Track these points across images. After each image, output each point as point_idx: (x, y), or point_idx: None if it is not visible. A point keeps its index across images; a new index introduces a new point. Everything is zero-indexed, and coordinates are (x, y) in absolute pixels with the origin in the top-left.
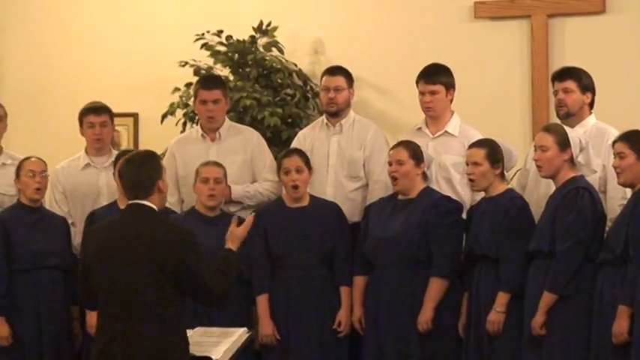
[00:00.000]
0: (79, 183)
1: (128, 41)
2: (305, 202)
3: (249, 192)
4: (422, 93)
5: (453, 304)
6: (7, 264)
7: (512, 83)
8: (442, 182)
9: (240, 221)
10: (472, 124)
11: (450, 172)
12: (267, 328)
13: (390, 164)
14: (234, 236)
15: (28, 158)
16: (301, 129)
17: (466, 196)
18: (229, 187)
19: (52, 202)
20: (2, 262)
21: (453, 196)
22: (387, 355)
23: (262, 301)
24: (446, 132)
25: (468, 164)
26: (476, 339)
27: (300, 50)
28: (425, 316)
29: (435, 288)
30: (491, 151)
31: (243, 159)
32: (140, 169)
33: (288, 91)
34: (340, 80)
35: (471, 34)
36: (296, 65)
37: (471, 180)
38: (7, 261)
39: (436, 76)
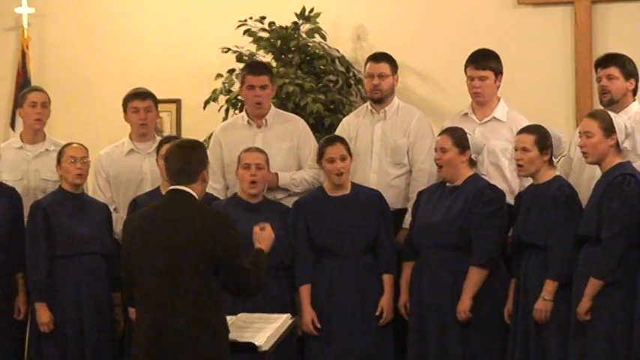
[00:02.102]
0: (123, 169)
1: (171, 27)
2: (347, 191)
3: (296, 179)
4: (471, 78)
5: (495, 291)
6: (48, 250)
7: (555, 70)
8: (490, 168)
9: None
10: (515, 111)
11: (499, 158)
12: (307, 316)
13: (436, 151)
14: (263, 238)
15: (69, 144)
16: (344, 115)
17: (514, 182)
18: (276, 174)
19: (95, 187)
20: (43, 248)
21: (502, 183)
22: (429, 341)
23: (305, 291)
24: (494, 118)
25: (516, 149)
26: (523, 327)
27: (342, 36)
28: (463, 306)
29: (473, 277)
30: (541, 138)
31: (290, 146)
32: (189, 156)
33: (331, 77)
34: (384, 67)
35: (514, 20)
36: (338, 51)
37: (519, 165)
38: (48, 247)
39: (485, 61)
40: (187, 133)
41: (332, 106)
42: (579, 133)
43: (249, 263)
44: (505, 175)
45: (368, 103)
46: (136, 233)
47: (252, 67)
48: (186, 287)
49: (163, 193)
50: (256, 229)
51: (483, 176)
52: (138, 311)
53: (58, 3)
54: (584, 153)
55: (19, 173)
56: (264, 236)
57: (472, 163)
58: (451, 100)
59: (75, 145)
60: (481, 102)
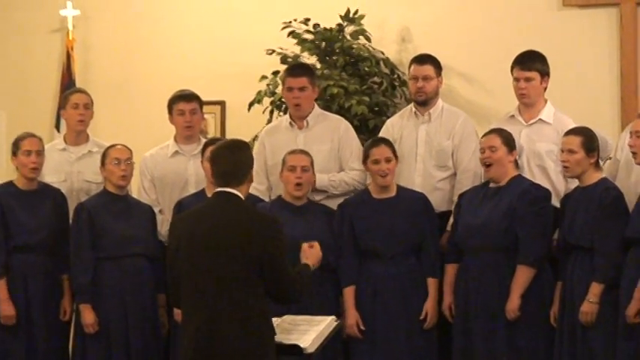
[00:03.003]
0: (168, 171)
1: (215, 29)
2: (392, 193)
3: (335, 181)
4: (516, 79)
5: (542, 292)
6: (93, 252)
7: (600, 72)
8: (536, 170)
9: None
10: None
11: (544, 160)
12: (352, 318)
13: (483, 152)
14: (311, 255)
15: (112, 146)
16: (388, 117)
17: (560, 184)
18: (314, 175)
19: (140, 189)
20: (88, 250)
21: (547, 185)
22: (475, 343)
23: (349, 293)
24: (540, 120)
25: (563, 151)
26: (569, 329)
27: (387, 38)
28: (512, 305)
29: (522, 276)
30: (587, 140)
31: (330, 147)
32: (237, 157)
33: (376, 79)
34: (429, 69)
35: (559, 22)
36: (383, 53)
37: (565, 167)
38: (92, 249)
39: (531, 62)
40: (232, 135)
41: (376, 108)
42: (630, 133)
43: (295, 272)
44: (550, 177)
45: (412, 105)
46: (183, 235)
47: (291, 68)
48: (233, 289)
49: (208, 195)
50: (305, 246)
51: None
52: (184, 313)
53: (102, 5)
54: (633, 153)
55: (62, 175)
56: (312, 254)
57: (516, 164)
58: (497, 102)
59: (119, 146)
60: (527, 103)
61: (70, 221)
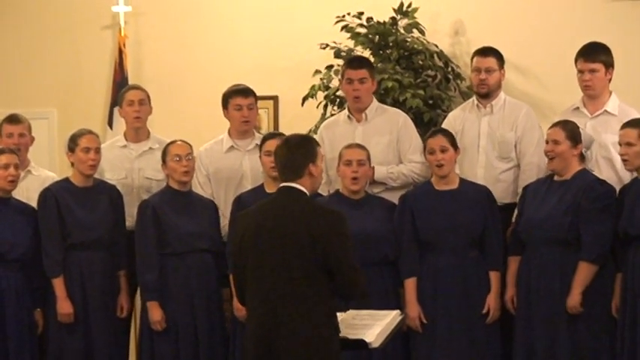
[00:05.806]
0: (223, 166)
1: (268, 23)
2: (454, 185)
3: (393, 173)
4: (581, 71)
5: (604, 287)
6: (158, 249)
7: None
8: (602, 162)
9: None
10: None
11: (611, 152)
12: (413, 311)
13: (547, 143)
14: None
15: (172, 142)
16: (443, 110)
17: (626, 176)
18: (373, 167)
19: (195, 184)
20: (154, 247)
21: (613, 176)
22: (537, 336)
23: (410, 285)
24: (605, 111)
25: (621, 144)
26: (630, 320)
27: (440, 31)
28: (572, 301)
29: (583, 272)
30: None
31: (389, 140)
32: (293, 152)
33: (430, 72)
34: (491, 61)
35: (616, 12)
36: (437, 46)
37: (624, 160)
38: (158, 246)
39: (596, 54)
40: (285, 130)
41: (431, 102)
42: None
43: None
44: (616, 168)
45: (474, 98)
46: (246, 231)
47: (352, 61)
48: (297, 285)
49: (267, 190)
50: None
51: (592, 172)
52: (248, 308)
53: (154, 1)
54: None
55: (122, 172)
56: None
57: (582, 157)
58: (552, 95)
59: (178, 142)
60: (592, 95)
61: (127, 218)
